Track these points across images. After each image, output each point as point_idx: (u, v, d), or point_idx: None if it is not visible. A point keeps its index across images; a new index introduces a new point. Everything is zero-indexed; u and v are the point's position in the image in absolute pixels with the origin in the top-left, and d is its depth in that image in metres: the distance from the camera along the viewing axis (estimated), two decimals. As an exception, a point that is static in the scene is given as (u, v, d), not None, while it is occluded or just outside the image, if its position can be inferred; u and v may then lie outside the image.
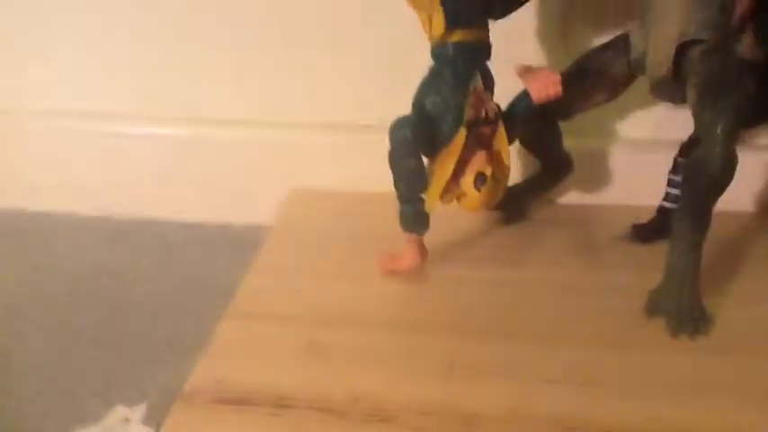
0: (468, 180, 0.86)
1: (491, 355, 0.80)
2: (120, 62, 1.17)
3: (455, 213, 0.96)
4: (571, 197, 1.13)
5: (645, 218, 1.02)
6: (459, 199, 0.88)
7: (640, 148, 1.10)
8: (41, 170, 1.24)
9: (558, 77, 0.84)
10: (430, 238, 0.91)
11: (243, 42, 1.12)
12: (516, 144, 0.97)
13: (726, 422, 0.71)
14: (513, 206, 1.05)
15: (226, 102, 1.17)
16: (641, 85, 0.91)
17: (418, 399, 0.74)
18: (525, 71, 0.86)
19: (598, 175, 1.11)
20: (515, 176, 1.03)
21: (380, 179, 0.87)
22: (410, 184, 0.87)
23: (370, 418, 0.72)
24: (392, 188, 0.87)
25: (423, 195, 0.87)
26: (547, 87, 0.84)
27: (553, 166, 1.03)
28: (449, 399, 0.74)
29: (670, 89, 0.87)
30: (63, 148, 1.22)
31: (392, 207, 0.89)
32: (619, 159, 1.10)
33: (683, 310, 0.84)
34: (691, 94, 0.83)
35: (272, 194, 1.14)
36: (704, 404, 0.73)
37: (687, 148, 0.95)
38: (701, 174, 0.80)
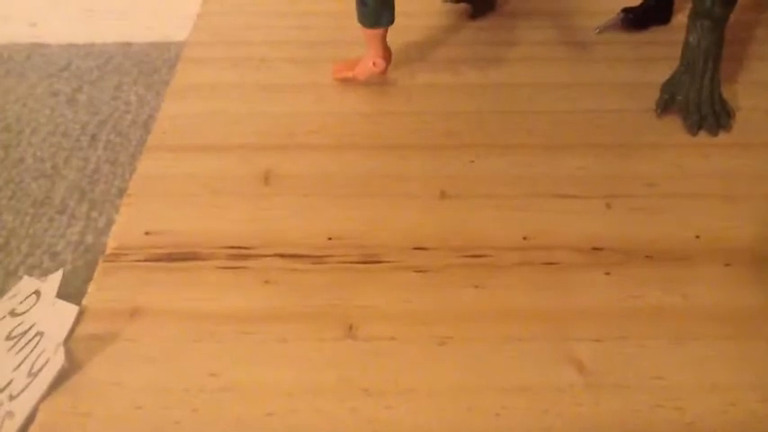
0: None
1: (488, 173, 0.65)
2: None
3: (410, 11, 0.78)
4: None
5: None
6: None
7: None
8: None
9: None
10: (388, 39, 0.73)
11: None
12: None
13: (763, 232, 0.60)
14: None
15: None
16: None
17: (406, 234, 0.59)
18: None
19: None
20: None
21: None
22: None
23: (352, 261, 0.57)
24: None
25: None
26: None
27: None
28: (445, 231, 0.60)
29: None
30: None
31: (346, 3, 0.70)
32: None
33: (704, 101, 0.70)
34: None
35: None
36: (742, 209, 0.62)
37: None
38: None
